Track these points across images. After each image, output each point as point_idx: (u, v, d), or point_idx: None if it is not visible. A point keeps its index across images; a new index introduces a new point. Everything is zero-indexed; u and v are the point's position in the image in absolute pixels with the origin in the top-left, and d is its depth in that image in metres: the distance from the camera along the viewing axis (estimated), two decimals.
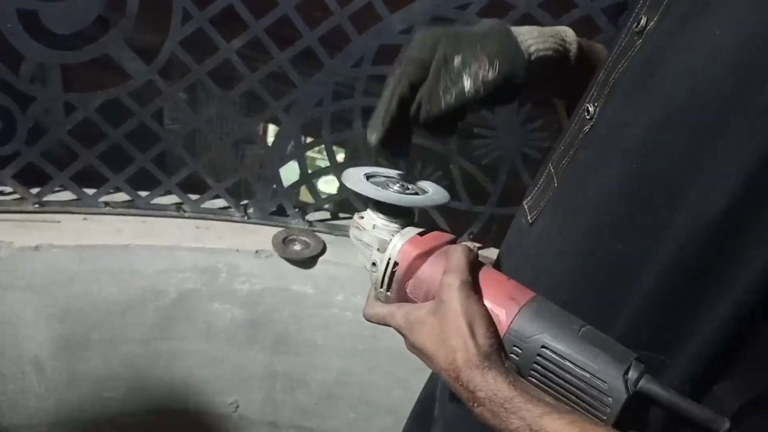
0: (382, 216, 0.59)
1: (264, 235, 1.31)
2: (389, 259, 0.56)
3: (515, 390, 0.46)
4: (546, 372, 0.47)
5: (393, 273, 0.56)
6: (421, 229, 0.58)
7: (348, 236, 1.38)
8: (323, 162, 1.33)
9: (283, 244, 1.28)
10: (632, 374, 0.45)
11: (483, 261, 0.57)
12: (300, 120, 1.24)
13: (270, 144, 1.35)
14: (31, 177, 1.24)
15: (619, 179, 0.48)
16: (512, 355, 0.49)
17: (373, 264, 0.57)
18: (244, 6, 1.10)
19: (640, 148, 0.47)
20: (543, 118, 1.21)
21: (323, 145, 1.30)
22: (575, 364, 0.46)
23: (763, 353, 0.44)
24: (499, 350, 0.49)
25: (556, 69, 0.61)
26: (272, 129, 2.51)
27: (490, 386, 0.46)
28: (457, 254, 0.53)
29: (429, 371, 0.83)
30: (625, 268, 0.48)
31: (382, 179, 0.62)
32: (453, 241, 0.58)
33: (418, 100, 0.58)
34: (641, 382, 0.45)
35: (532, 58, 0.58)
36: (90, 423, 1.34)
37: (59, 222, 1.23)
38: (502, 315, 0.50)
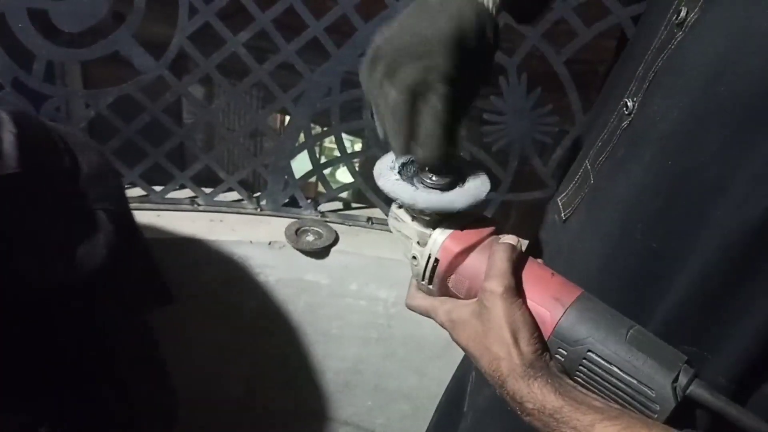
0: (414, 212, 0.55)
1: (277, 226, 1.32)
2: (430, 254, 0.54)
3: (563, 399, 0.45)
4: (592, 375, 0.47)
5: (434, 268, 0.55)
6: (462, 221, 0.55)
7: (360, 226, 1.38)
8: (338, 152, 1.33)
9: (295, 235, 1.29)
10: (682, 380, 0.44)
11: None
12: (309, 110, 1.24)
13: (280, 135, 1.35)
14: None
15: (653, 175, 0.47)
16: (557, 356, 0.49)
17: (414, 257, 0.56)
18: None
19: (676, 143, 0.46)
20: (553, 103, 1.20)
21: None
22: (622, 370, 0.45)
23: None
24: (543, 355, 0.49)
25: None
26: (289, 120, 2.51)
27: (537, 397, 0.46)
28: (499, 256, 0.51)
29: (445, 360, 0.83)
30: (659, 266, 0.48)
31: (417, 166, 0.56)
32: (496, 232, 0.56)
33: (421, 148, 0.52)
34: (691, 388, 0.44)
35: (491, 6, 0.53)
36: None
37: None
38: (546, 317, 0.49)
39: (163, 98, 1.19)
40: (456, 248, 0.53)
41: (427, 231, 0.55)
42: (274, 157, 1.30)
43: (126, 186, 1.28)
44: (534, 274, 0.52)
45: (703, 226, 0.44)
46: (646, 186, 0.48)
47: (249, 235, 1.29)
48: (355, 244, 1.32)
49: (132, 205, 1.28)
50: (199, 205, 1.33)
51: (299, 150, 1.31)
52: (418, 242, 0.55)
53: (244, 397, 1.44)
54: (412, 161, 0.56)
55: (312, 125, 1.32)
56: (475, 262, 0.53)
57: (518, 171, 1.28)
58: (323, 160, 1.36)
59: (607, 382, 0.46)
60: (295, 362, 1.41)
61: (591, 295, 0.50)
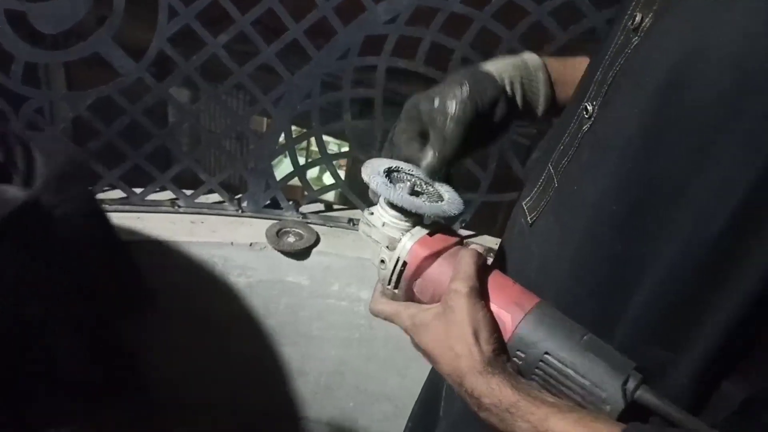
0: (392, 213, 0.58)
1: (258, 228, 1.33)
2: (398, 258, 0.56)
3: (519, 394, 0.47)
4: (547, 377, 0.49)
5: (401, 272, 0.57)
6: (430, 229, 0.58)
7: (341, 227, 1.39)
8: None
9: (276, 236, 1.29)
10: (630, 384, 0.46)
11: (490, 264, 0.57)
12: (289, 113, 1.25)
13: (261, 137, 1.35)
14: None
15: (615, 179, 0.48)
16: (515, 359, 0.51)
17: (382, 261, 0.58)
18: (229, 1, 1.11)
19: (636, 148, 0.46)
20: None
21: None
22: (576, 372, 0.47)
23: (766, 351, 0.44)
24: (502, 355, 0.51)
25: (527, 90, 0.65)
26: None
27: (495, 392, 0.47)
28: (466, 260, 0.54)
29: (426, 361, 0.84)
30: (626, 270, 0.49)
31: (403, 175, 0.61)
32: (461, 242, 0.59)
33: (429, 149, 0.61)
34: (638, 393, 0.46)
35: (498, 76, 0.63)
36: None
37: None
38: (507, 320, 0.51)
39: (143, 100, 1.19)
40: (424, 252, 0.56)
41: (397, 236, 0.57)
42: (255, 159, 1.30)
43: (105, 188, 1.29)
44: (497, 281, 0.55)
45: (665, 231, 0.45)
46: (611, 191, 0.49)
47: (230, 236, 1.29)
48: (337, 245, 1.33)
49: (112, 207, 1.29)
50: (179, 206, 1.33)
51: (280, 152, 1.32)
52: (387, 247, 0.58)
53: (224, 399, 1.44)
54: (401, 170, 0.61)
55: (296, 128, 1.32)
56: (441, 267, 0.56)
57: (497, 172, 1.29)
58: (308, 162, 1.37)
59: (561, 384, 0.48)
60: (277, 364, 1.41)
61: (548, 303, 0.53)
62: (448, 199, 0.60)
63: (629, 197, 0.47)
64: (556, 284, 0.55)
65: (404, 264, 0.56)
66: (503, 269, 0.62)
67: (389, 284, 0.58)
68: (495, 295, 0.53)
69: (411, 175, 0.61)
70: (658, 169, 0.45)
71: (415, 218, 0.58)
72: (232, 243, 1.28)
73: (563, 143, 0.58)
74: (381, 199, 0.59)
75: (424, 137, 0.63)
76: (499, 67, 0.64)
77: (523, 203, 0.64)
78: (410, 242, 0.56)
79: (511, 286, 0.54)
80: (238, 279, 1.30)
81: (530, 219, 0.62)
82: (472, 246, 0.57)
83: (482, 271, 0.54)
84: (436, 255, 0.56)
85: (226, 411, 1.46)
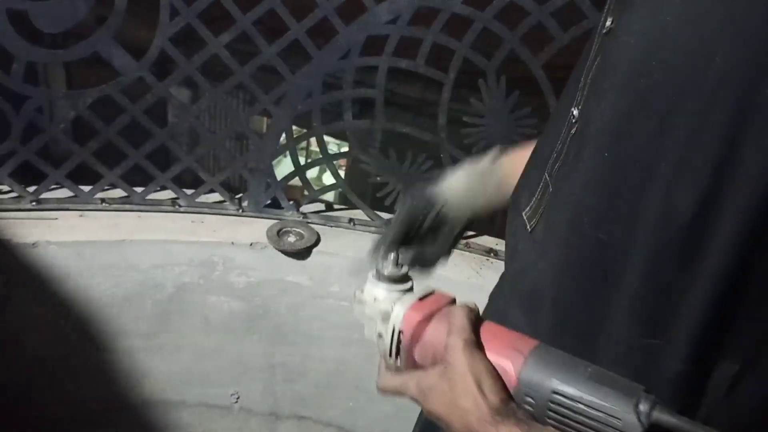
0: (382, 286, 0.59)
1: (258, 227, 1.33)
2: (393, 327, 0.56)
3: None
4: (561, 417, 0.48)
5: (399, 341, 0.56)
6: (421, 294, 0.59)
7: (342, 227, 1.38)
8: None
9: (277, 236, 1.29)
10: (643, 407, 0.45)
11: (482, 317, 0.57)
12: (290, 113, 1.25)
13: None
14: (28, 175, 1.26)
15: (591, 172, 0.50)
16: (526, 405, 0.49)
17: (380, 335, 0.58)
18: (231, 0, 1.11)
19: (610, 137, 0.49)
20: (531, 106, 1.21)
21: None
22: (588, 406, 0.46)
23: (750, 325, 0.46)
24: (509, 403, 0.50)
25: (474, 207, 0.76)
26: None
27: None
28: (458, 315, 0.54)
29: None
30: (609, 258, 0.50)
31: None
32: (454, 301, 0.59)
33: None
34: (654, 414, 0.45)
35: (447, 202, 0.74)
36: (93, 416, 1.37)
37: (56, 219, 1.25)
38: (508, 367, 0.50)
39: (143, 99, 1.19)
40: (417, 317, 0.56)
41: (389, 308, 0.57)
42: (256, 159, 1.30)
43: (106, 187, 1.29)
44: (491, 330, 0.54)
45: (640, 216, 0.47)
46: (588, 181, 0.51)
47: (230, 236, 1.29)
48: (337, 245, 1.33)
49: (112, 206, 1.29)
50: (180, 206, 1.33)
51: (281, 151, 1.32)
52: (381, 320, 0.58)
53: (223, 398, 1.44)
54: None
55: (295, 128, 1.32)
56: (436, 328, 0.55)
57: None
58: (309, 162, 1.37)
59: (576, 421, 0.47)
60: (277, 363, 1.41)
61: (546, 345, 0.52)
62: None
63: (605, 186, 0.49)
64: (554, 287, 0.56)
65: (400, 333, 0.56)
66: (507, 276, 0.64)
67: (390, 356, 0.57)
68: (491, 344, 0.53)
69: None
70: (629, 154, 0.47)
71: (403, 285, 0.60)
72: (232, 243, 1.28)
73: (556, 150, 0.60)
74: (369, 275, 0.61)
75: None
76: (452, 187, 0.76)
77: (523, 213, 0.65)
78: (402, 310, 0.56)
79: (506, 333, 0.54)
80: (238, 279, 1.30)
81: (530, 227, 0.63)
82: (465, 302, 0.57)
83: (476, 324, 0.54)
84: (429, 317, 0.56)
85: (223, 410, 1.46)
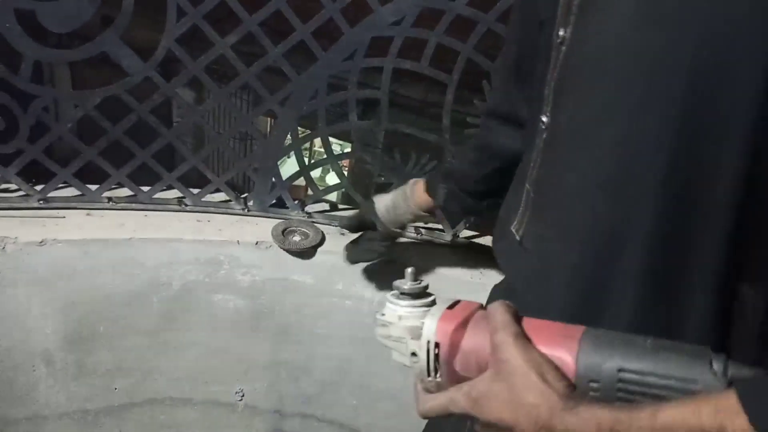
0: (404, 303, 0.56)
1: (264, 227, 1.34)
2: (428, 342, 0.53)
3: (615, 411, 0.43)
4: (633, 395, 0.45)
5: (437, 356, 0.53)
6: (447, 303, 0.56)
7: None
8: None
9: (282, 235, 1.30)
10: (717, 366, 0.43)
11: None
12: (296, 113, 1.26)
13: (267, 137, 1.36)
14: (36, 174, 1.27)
15: (584, 150, 0.57)
16: (591, 392, 0.46)
17: (413, 354, 0.54)
18: (237, 1, 1.12)
19: (573, 102, 0.57)
20: None
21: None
22: (660, 375, 0.44)
23: (764, 250, 0.51)
24: (576, 391, 0.46)
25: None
26: None
27: (589, 420, 0.43)
28: (499, 311, 0.51)
29: None
30: (612, 227, 0.54)
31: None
32: (482, 307, 0.57)
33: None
34: (730, 371, 0.43)
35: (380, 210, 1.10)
36: (98, 414, 1.38)
37: (63, 217, 1.26)
38: (564, 356, 0.47)
39: (150, 99, 1.20)
40: (452, 325, 0.53)
41: (418, 323, 0.54)
42: (262, 159, 1.31)
43: (113, 186, 1.30)
44: (533, 324, 0.52)
45: (633, 181, 0.54)
46: (586, 157, 0.57)
47: (236, 235, 1.30)
48: (342, 244, 1.33)
49: (119, 205, 1.30)
50: (186, 205, 1.34)
51: (286, 151, 1.33)
52: (411, 338, 0.54)
53: (228, 396, 1.44)
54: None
55: (299, 129, 1.34)
56: (475, 333, 0.52)
57: None
58: (314, 162, 1.38)
59: (650, 395, 0.44)
60: (281, 361, 1.42)
61: (594, 328, 0.50)
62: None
63: (606, 159, 0.56)
64: (555, 278, 0.59)
65: (437, 345, 0.52)
66: (512, 288, 0.66)
67: (429, 375, 0.53)
68: (539, 338, 0.49)
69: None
70: (599, 124, 0.55)
71: (426, 299, 0.57)
72: (238, 242, 1.29)
73: (532, 160, 0.65)
74: (388, 296, 0.58)
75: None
76: (382, 203, 1.11)
77: (512, 228, 0.69)
78: (434, 321, 0.53)
79: (550, 324, 0.51)
80: (243, 277, 1.31)
81: (518, 237, 0.67)
82: (497, 301, 0.55)
83: (517, 318, 0.52)
84: (464, 324, 0.53)
85: (230, 408, 1.47)
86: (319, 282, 1.34)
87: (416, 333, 0.54)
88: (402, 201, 1.07)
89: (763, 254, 0.50)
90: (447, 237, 1.42)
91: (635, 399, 0.44)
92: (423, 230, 1.42)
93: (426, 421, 0.95)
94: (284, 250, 1.29)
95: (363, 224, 1.14)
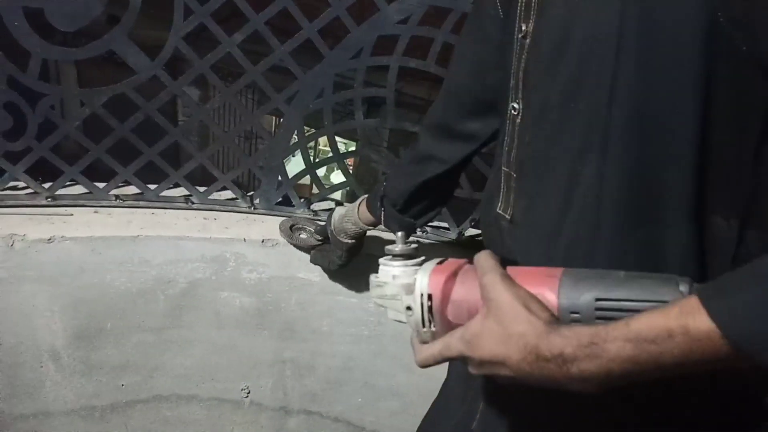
0: (397, 263, 0.60)
1: (270, 225, 1.34)
2: (421, 294, 0.57)
3: (593, 327, 0.47)
4: (610, 321, 0.48)
5: (430, 306, 0.57)
6: (437, 260, 0.60)
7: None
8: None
9: (291, 230, 1.30)
10: (683, 287, 0.47)
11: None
12: (302, 111, 1.26)
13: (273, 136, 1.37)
14: (44, 172, 1.28)
15: (550, 123, 0.63)
16: (574, 323, 0.50)
17: (408, 308, 0.58)
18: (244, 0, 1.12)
19: (541, 85, 0.63)
20: None
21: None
22: (635, 300, 0.48)
23: (728, 177, 0.54)
24: (558, 320, 0.51)
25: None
26: None
27: (571, 337, 0.47)
28: (485, 258, 0.56)
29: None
30: (592, 182, 0.59)
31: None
32: (469, 261, 0.61)
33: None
34: (695, 288, 0.47)
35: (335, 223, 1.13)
36: (105, 410, 1.38)
37: (71, 215, 1.27)
38: (546, 293, 0.52)
39: (157, 98, 1.20)
40: (442, 277, 0.57)
41: (411, 279, 0.59)
42: (268, 157, 1.32)
43: (120, 184, 1.30)
44: (516, 270, 0.56)
45: (594, 142, 0.59)
46: (551, 135, 0.63)
47: (242, 233, 1.31)
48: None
49: (127, 203, 1.31)
50: (193, 203, 1.35)
51: (292, 150, 1.33)
52: (406, 294, 0.59)
53: (234, 393, 1.45)
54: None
55: (306, 128, 1.34)
56: (464, 283, 0.57)
57: None
58: (320, 160, 1.38)
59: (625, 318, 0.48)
60: (287, 359, 1.42)
61: (572, 268, 0.54)
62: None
63: (563, 134, 0.62)
64: (550, 238, 0.63)
65: (429, 297, 0.57)
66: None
67: (424, 326, 0.58)
68: (522, 279, 0.54)
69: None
70: (567, 99, 0.60)
71: (416, 259, 0.61)
72: (244, 239, 1.29)
73: (506, 145, 0.69)
74: (382, 260, 0.62)
75: None
76: (335, 216, 1.14)
77: (498, 210, 0.73)
78: (426, 275, 0.58)
79: (531, 269, 0.56)
80: (249, 275, 1.32)
81: (508, 216, 0.70)
82: (482, 252, 0.60)
83: (503, 264, 0.56)
84: (454, 275, 0.57)
85: (235, 405, 1.47)
86: (324, 280, 1.34)
87: (410, 289, 0.58)
88: (352, 214, 1.11)
89: (731, 188, 0.54)
90: (452, 235, 1.42)
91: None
92: (428, 229, 1.42)
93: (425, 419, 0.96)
94: (292, 245, 1.29)
95: (325, 231, 1.17)
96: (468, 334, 0.53)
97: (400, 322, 0.60)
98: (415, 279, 0.58)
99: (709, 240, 0.55)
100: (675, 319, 0.43)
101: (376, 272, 0.63)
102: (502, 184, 0.72)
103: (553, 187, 0.62)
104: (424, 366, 0.59)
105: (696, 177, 0.54)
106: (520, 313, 0.50)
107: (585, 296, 0.50)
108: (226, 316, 1.35)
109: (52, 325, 1.26)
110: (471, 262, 0.60)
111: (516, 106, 0.67)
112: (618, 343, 0.45)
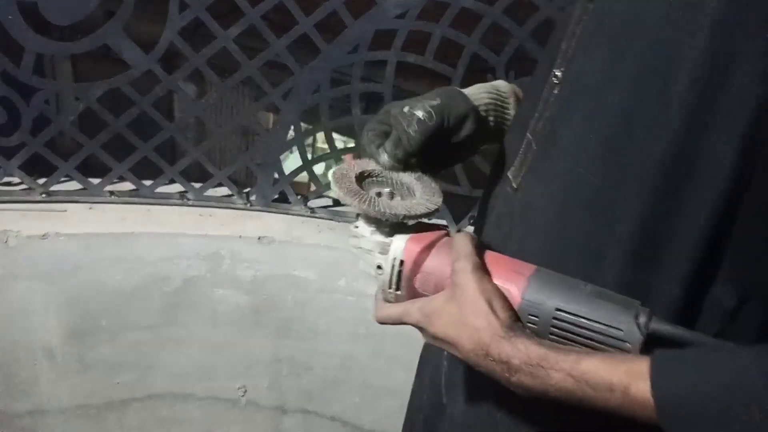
0: (374, 224, 0.59)
1: (266, 221, 1.33)
2: (394, 258, 0.57)
3: (546, 348, 0.49)
4: (564, 332, 0.50)
5: (400, 271, 0.58)
6: (417, 225, 0.60)
7: (349, 222, 1.39)
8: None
9: (361, 188, 0.70)
10: (642, 319, 0.48)
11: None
12: (298, 107, 1.25)
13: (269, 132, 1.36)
14: (38, 167, 1.27)
15: (588, 121, 0.55)
16: (529, 324, 0.52)
17: (378, 267, 0.59)
18: None
19: (600, 88, 0.53)
20: None
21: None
22: (590, 319, 0.49)
23: (744, 253, 0.50)
24: (518, 321, 0.52)
25: (499, 114, 0.74)
26: None
27: (521, 351, 0.49)
28: (463, 241, 0.56)
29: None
30: (605, 199, 0.53)
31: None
32: (448, 232, 0.61)
33: (390, 142, 0.64)
34: (651, 324, 0.48)
35: (472, 98, 0.69)
36: (100, 409, 1.37)
37: (65, 211, 1.26)
38: (512, 289, 0.53)
39: (152, 92, 1.19)
40: (418, 247, 0.57)
41: (388, 240, 0.59)
42: (264, 153, 1.31)
43: (115, 180, 1.29)
44: (491, 257, 0.57)
45: (632, 152, 0.51)
46: (585, 132, 0.55)
47: (238, 230, 1.29)
48: (345, 240, 1.32)
49: (122, 199, 1.30)
50: (188, 199, 1.34)
51: (289, 146, 1.32)
52: (380, 252, 0.59)
53: (230, 391, 1.44)
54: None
55: (302, 125, 1.33)
56: (438, 257, 0.57)
57: None
58: (317, 156, 1.37)
59: (579, 334, 0.50)
60: (283, 358, 1.41)
61: (545, 269, 0.55)
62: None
63: (603, 131, 0.53)
64: (544, 236, 0.59)
65: (401, 262, 0.57)
66: (490, 236, 0.67)
67: (390, 287, 0.59)
68: (494, 269, 0.55)
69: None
70: (615, 101, 0.52)
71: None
72: (240, 236, 1.28)
73: (538, 111, 0.63)
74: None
75: (387, 137, 0.66)
76: (474, 91, 0.72)
77: (508, 173, 0.67)
78: (402, 241, 0.58)
79: (507, 259, 0.56)
80: (245, 272, 1.31)
81: (515, 184, 0.66)
82: (462, 231, 0.60)
83: (479, 250, 0.56)
84: (429, 247, 0.58)
85: (231, 404, 1.46)
86: (321, 278, 1.33)
87: (384, 249, 0.58)
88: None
89: (740, 257, 0.50)
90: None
91: (566, 335, 0.50)
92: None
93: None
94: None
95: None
96: (428, 309, 0.55)
97: (369, 274, 0.60)
98: (391, 241, 0.58)
99: (704, 300, 0.53)
100: (620, 376, 0.45)
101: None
102: (521, 149, 0.66)
103: (563, 180, 0.58)
104: (381, 323, 0.61)
105: (710, 240, 0.49)
106: (481, 308, 0.51)
107: (547, 303, 0.51)
108: (222, 314, 1.34)
109: (46, 323, 1.25)
110: (449, 234, 0.61)
111: (558, 74, 0.60)
112: (562, 374, 0.47)
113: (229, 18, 1.14)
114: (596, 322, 0.49)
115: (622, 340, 0.48)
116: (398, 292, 0.59)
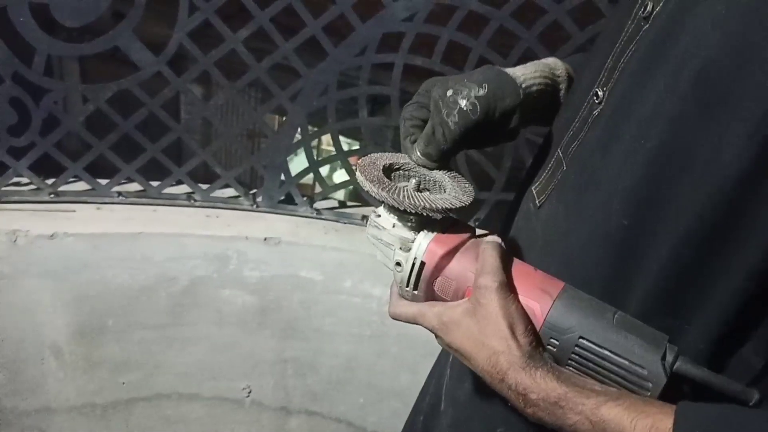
0: (398, 215, 0.56)
1: (272, 223, 1.34)
2: (415, 258, 0.55)
3: (566, 386, 0.46)
4: (584, 361, 0.48)
5: (420, 273, 0.55)
6: (443, 224, 0.56)
7: (355, 224, 1.39)
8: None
9: (389, 178, 0.63)
10: (669, 357, 0.46)
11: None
12: (306, 109, 1.25)
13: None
14: (47, 168, 1.28)
15: (630, 156, 0.49)
16: (549, 347, 0.50)
17: (398, 264, 0.56)
18: None
19: (648, 123, 0.48)
20: None
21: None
22: (614, 353, 0.47)
23: None
24: (539, 347, 0.50)
25: (550, 99, 0.67)
26: None
27: (541, 387, 0.47)
28: (490, 253, 0.53)
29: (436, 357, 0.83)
30: (636, 240, 0.49)
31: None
32: (474, 233, 0.58)
33: (424, 136, 0.59)
34: (677, 364, 0.46)
35: (523, 86, 0.61)
36: (106, 408, 1.38)
37: (74, 211, 1.26)
38: (536, 309, 0.51)
39: (161, 94, 1.20)
40: (441, 250, 0.54)
41: (410, 236, 0.56)
42: (271, 155, 1.31)
43: (123, 181, 1.30)
44: (519, 270, 0.53)
45: (674, 197, 0.46)
46: (624, 167, 0.50)
47: (245, 231, 1.30)
48: (350, 241, 1.33)
49: (129, 200, 1.30)
50: (195, 200, 1.34)
51: (295, 147, 1.33)
52: (400, 248, 0.56)
53: (235, 392, 1.44)
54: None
55: (309, 127, 1.33)
56: (461, 262, 0.54)
57: (511, 171, 1.29)
58: (323, 158, 1.37)
59: (600, 366, 0.47)
60: (288, 358, 1.41)
61: (573, 287, 0.52)
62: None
63: (642, 171, 0.48)
64: (562, 260, 0.56)
65: (422, 264, 0.54)
66: (510, 248, 0.61)
67: (408, 286, 0.56)
68: (520, 284, 0.52)
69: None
70: (667, 139, 0.46)
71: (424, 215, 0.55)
72: (246, 237, 1.29)
73: (573, 129, 0.59)
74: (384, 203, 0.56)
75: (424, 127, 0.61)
76: (527, 72, 0.63)
77: (532, 188, 0.64)
78: (426, 241, 0.54)
79: (534, 274, 0.53)
80: (251, 273, 1.31)
81: (538, 202, 0.62)
82: (491, 237, 0.56)
83: (506, 263, 0.53)
84: (453, 251, 0.55)
85: (236, 404, 1.47)
86: (327, 279, 1.33)
87: (406, 246, 0.56)
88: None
89: None
90: None
91: (586, 365, 0.48)
92: None
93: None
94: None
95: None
96: (446, 317, 0.53)
97: (386, 267, 0.58)
98: (415, 238, 0.55)
99: (731, 358, 0.49)
100: (641, 430, 0.43)
101: (383, 279, 0.59)
102: (549, 166, 0.62)
103: (587, 215, 0.54)
104: (396, 319, 0.59)
105: (745, 304, 0.46)
106: (502, 332, 0.49)
107: (569, 330, 0.48)
108: (228, 315, 1.35)
109: (54, 321, 1.26)
110: (475, 234, 0.58)
111: (600, 93, 0.55)
112: (581, 417, 0.45)
113: (237, 19, 1.15)
114: (620, 357, 0.46)
115: (644, 379, 0.46)
116: (415, 292, 0.56)
